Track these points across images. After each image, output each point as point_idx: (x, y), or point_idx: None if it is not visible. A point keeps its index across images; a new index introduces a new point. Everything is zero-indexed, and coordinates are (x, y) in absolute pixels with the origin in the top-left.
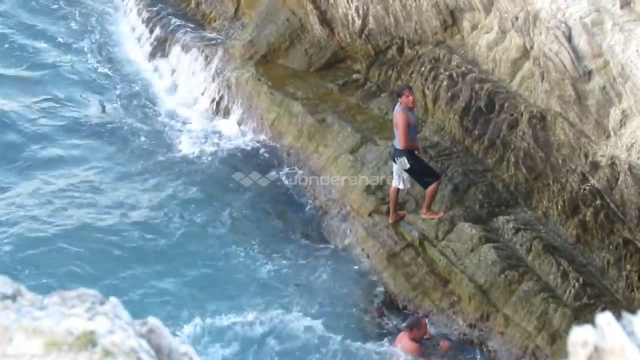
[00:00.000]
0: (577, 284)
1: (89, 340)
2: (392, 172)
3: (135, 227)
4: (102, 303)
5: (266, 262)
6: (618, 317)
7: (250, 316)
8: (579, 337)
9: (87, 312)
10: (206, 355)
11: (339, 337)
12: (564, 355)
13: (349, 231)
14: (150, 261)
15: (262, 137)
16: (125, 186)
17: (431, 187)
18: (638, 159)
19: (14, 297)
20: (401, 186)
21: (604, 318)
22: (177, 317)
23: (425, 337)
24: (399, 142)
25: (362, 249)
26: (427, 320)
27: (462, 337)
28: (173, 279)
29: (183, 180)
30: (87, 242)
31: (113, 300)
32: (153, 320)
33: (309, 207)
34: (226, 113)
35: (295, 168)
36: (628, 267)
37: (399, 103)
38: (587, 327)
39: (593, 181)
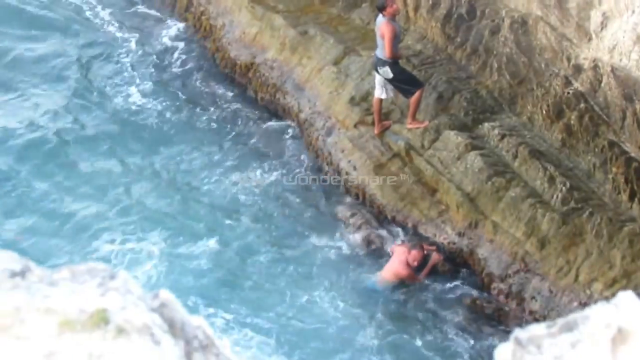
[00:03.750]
0: (564, 188)
1: (102, 317)
2: (375, 83)
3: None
4: (112, 278)
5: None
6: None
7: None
8: (602, 318)
9: (99, 288)
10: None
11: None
12: (554, 260)
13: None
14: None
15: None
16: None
17: (415, 96)
18: (620, 60)
19: (22, 274)
20: (384, 96)
21: (626, 297)
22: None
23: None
24: (383, 52)
25: (349, 161)
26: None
27: (452, 245)
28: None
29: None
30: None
31: (123, 274)
32: (165, 293)
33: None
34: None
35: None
36: (614, 169)
37: (380, 15)
38: (609, 307)
39: (576, 84)
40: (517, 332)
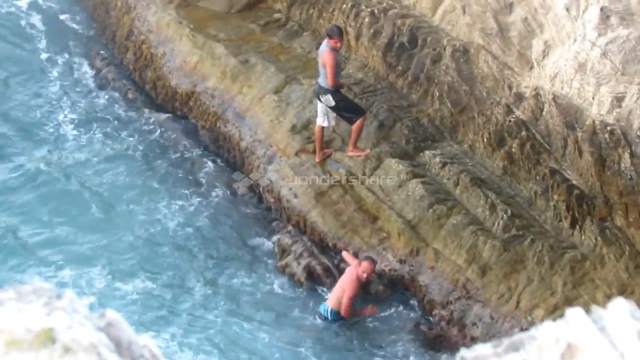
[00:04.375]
0: (505, 215)
1: (48, 337)
2: (317, 111)
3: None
4: (58, 297)
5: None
6: (587, 311)
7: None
8: (552, 334)
9: (45, 308)
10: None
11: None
12: (495, 287)
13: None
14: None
15: None
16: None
17: (357, 124)
18: (562, 88)
19: None
20: (325, 124)
21: (575, 313)
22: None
23: (369, 277)
24: (326, 81)
25: (290, 189)
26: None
27: (393, 272)
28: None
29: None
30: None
31: (69, 293)
32: (111, 313)
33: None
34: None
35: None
36: (555, 197)
37: (325, 42)
38: (559, 323)
39: (518, 112)
40: (463, 352)
